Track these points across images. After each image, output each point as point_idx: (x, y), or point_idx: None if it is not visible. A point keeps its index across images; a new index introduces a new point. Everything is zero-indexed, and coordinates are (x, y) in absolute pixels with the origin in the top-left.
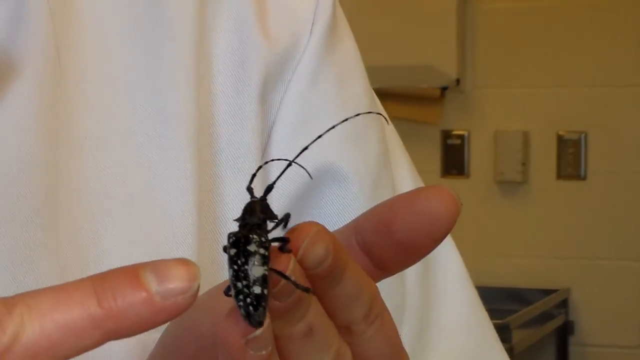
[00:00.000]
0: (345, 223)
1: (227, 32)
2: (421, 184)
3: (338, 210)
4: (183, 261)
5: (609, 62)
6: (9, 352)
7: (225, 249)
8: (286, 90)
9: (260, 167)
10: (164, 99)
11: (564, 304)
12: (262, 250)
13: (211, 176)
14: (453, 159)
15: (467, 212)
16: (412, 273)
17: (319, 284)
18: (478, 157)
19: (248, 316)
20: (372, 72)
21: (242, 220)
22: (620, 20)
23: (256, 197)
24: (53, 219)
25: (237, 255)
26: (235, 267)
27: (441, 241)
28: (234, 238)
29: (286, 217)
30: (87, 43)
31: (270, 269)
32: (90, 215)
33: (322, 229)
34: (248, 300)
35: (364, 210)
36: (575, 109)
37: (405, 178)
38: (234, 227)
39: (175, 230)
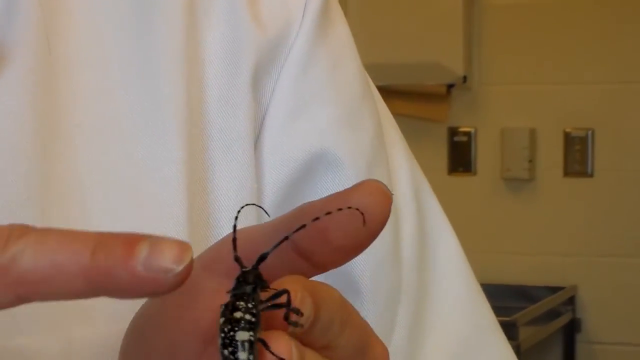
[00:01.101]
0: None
1: (218, 19)
2: (416, 166)
3: None
4: (180, 244)
5: (615, 59)
6: (5, 272)
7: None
8: (279, 76)
9: (240, 210)
10: (155, 87)
11: (570, 301)
12: (247, 316)
13: (203, 163)
14: (460, 156)
15: (474, 209)
16: (409, 257)
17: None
18: (485, 154)
19: None
20: (379, 70)
21: (233, 290)
22: (627, 18)
23: (247, 267)
24: (44, 208)
25: (224, 323)
26: (223, 334)
27: (379, 234)
28: (223, 307)
29: (281, 293)
30: (77, 32)
31: (261, 342)
32: (81, 203)
33: (303, 294)
34: None
35: None
36: (582, 105)
37: (402, 164)
38: (225, 214)
39: (167, 218)
